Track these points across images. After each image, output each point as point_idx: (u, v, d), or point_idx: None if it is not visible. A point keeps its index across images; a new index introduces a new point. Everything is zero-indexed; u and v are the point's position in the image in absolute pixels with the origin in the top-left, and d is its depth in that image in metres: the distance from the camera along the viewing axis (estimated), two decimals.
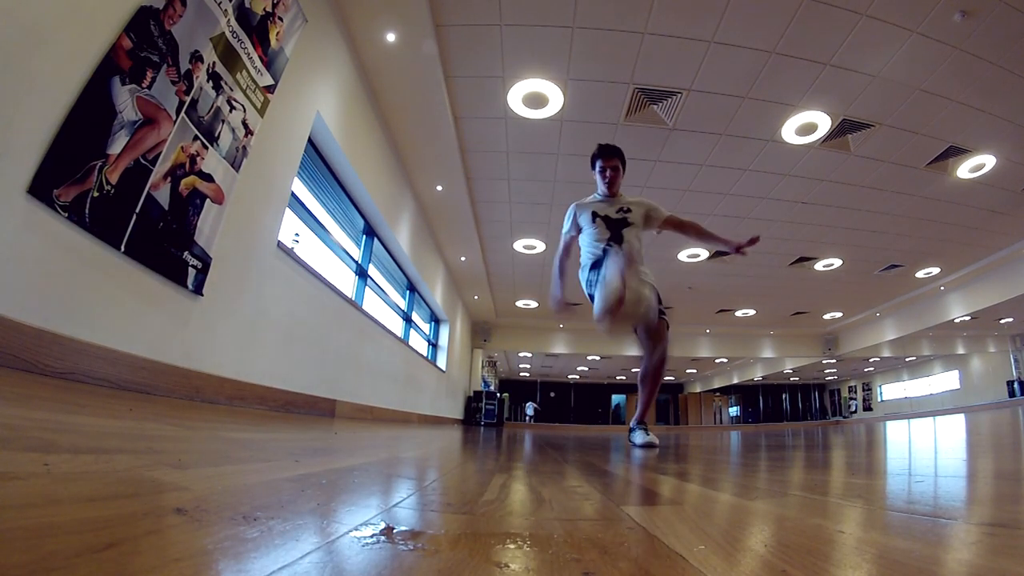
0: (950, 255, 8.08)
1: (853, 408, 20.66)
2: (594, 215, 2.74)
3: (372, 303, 5.75)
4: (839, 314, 11.93)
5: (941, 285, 9.40)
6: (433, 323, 9.54)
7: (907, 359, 16.33)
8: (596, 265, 2.62)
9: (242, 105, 2.57)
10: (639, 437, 2.73)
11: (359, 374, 4.73)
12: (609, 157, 2.78)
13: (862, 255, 8.07)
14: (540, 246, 7.92)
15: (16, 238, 1.51)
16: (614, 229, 2.70)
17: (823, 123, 4.74)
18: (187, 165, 2.22)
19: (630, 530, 0.58)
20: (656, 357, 2.73)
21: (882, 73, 4.08)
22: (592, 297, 2.63)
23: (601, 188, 2.82)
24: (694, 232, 2.83)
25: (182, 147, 2.17)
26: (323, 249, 4.40)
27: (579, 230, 2.80)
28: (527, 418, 20.79)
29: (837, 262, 8.37)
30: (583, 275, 2.77)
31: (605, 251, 2.62)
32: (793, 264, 8.48)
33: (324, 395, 3.83)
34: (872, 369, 18.68)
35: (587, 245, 2.75)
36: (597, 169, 2.81)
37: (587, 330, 13.98)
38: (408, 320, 7.46)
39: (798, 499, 0.88)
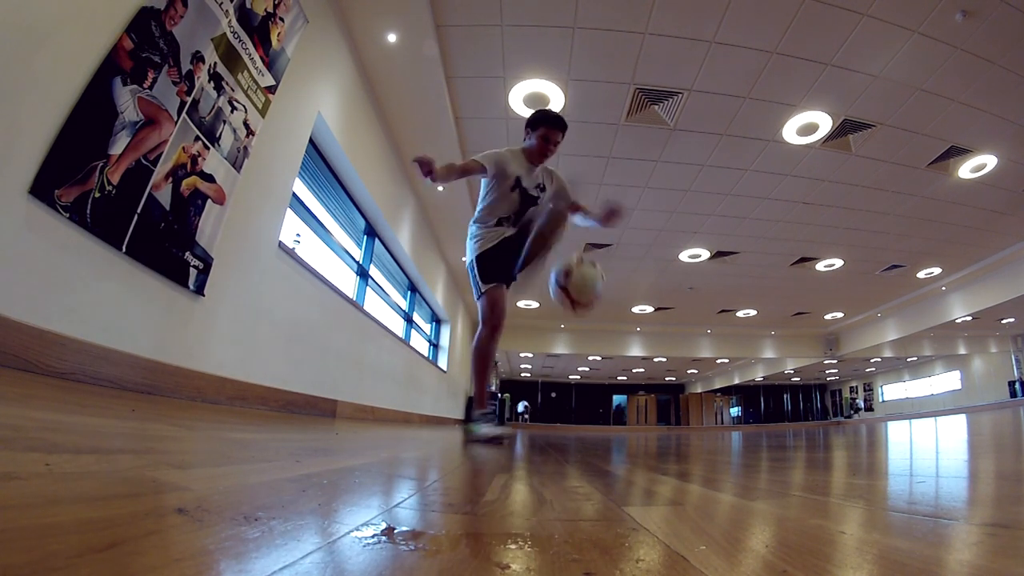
0: (951, 255, 8.07)
1: (862, 406, 20.54)
2: (518, 181, 2.57)
3: (373, 303, 5.76)
4: (840, 314, 11.92)
5: (942, 285, 9.39)
6: (434, 323, 9.53)
7: (908, 359, 16.30)
8: (496, 223, 2.57)
9: (243, 105, 2.57)
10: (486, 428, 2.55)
11: (360, 374, 4.73)
12: (563, 131, 2.64)
13: (863, 255, 8.06)
14: None
15: (18, 238, 1.52)
16: (524, 205, 2.60)
17: (824, 123, 4.74)
18: (188, 165, 2.22)
19: (631, 530, 0.58)
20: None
21: (883, 73, 4.08)
22: (483, 256, 2.57)
23: (530, 150, 2.64)
24: (583, 212, 2.73)
25: (183, 148, 2.18)
26: (324, 249, 4.40)
27: (494, 177, 2.57)
28: (519, 417, 20.84)
29: (838, 262, 8.35)
30: (478, 228, 2.61)
31: (501, 221, 2.57)
32: (794, 264, 8.47)
33: (325, 395, 3.83)
34: (873, 369, 18.65)
35: (492, 203, 2.59)
36: (540, 134, 2.60)
37: (588, 330, 13.97)
38: (409, 320, 7.46)
39: (799, 500, 0.88)
